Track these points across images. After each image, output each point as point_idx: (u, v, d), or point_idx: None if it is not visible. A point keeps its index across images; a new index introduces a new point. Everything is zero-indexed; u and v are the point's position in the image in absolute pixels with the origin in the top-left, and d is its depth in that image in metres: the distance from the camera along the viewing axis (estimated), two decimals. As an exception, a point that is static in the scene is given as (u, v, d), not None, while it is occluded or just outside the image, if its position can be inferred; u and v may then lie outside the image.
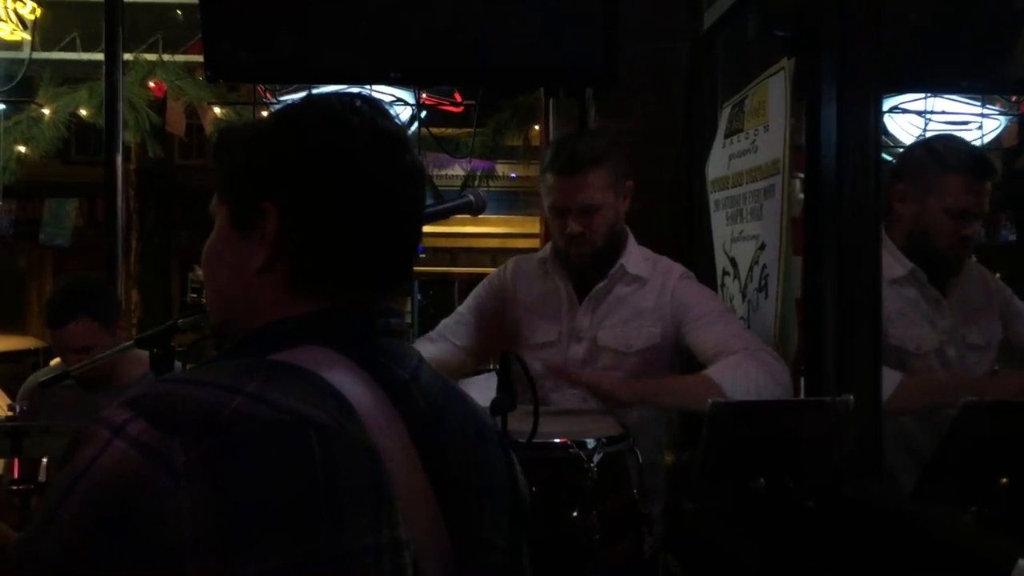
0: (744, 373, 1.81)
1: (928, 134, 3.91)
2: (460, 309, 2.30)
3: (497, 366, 1.47)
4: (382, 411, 0.81)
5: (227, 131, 0.99)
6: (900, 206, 2.06)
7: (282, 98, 4.13)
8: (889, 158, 3.71)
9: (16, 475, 2.01)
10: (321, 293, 0.87)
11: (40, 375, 2.75)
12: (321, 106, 0.91)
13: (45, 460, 2.37)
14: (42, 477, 2.32)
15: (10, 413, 2.15)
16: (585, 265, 2.09)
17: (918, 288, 2.04)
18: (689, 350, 2.02)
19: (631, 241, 2.14)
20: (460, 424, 0.92)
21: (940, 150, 2.15)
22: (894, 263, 2.02)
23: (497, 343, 2.22)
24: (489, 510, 0.91)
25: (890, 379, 1.89)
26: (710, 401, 1.58)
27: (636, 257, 2.11)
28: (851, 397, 1.56)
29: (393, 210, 0.89)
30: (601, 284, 2.08)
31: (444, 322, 2.29)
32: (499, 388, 1.42)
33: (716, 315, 2.01)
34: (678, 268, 2.13)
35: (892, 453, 1.89)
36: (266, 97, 4.29)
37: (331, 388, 0.78)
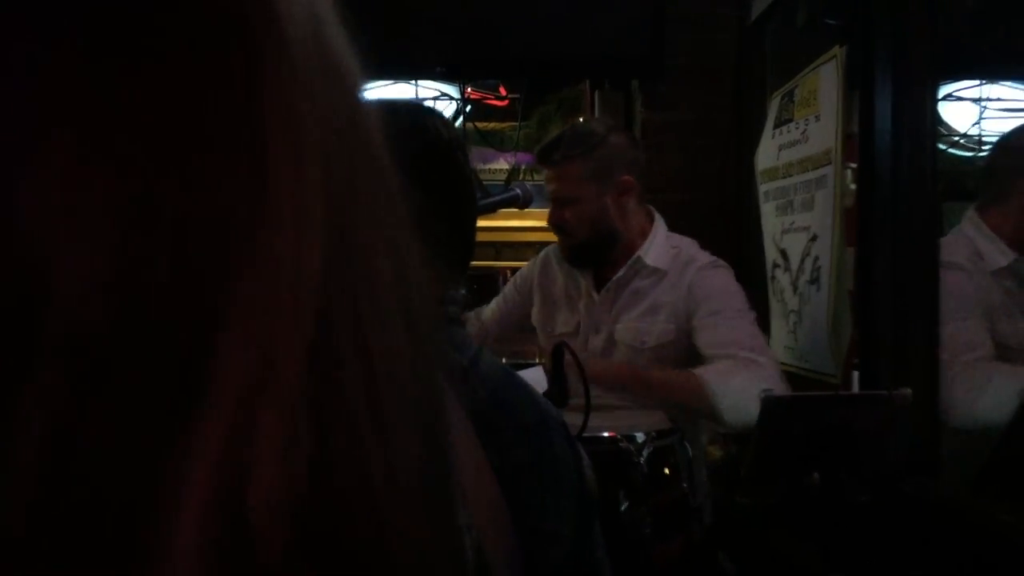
0: (740, 380, 1.74)
1: (983, 122, 3.82)
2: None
3: (544, 360, 1.47)
4: None
5: None
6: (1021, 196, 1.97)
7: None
8: (943, 147, 3.64)
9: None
10: None
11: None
12: (401, 113, 1.01)
13: None
14: None
15: None
16: (569, 256, 2.07)
17: (1015, 280, 1.98)
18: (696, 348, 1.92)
19: (656, 231, 2.05)
20: (522, 413, 0.92)
21: None
22: (996, 253, 1.95)
23: (515, 326, 2.29)
24: (554, 499, 0.91)
25: None
26: (762, 393, 1.56)
27: (659, 249, 2.02)
28: (908, 391, 1.53)
29: (463, 207, 1.01)
30: (617, 276, 2.02)
31: None
32: (551, 381, 1.41)
33: (724, 315, 1.90)
34: (702, 258, 2.00)
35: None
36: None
37: None
